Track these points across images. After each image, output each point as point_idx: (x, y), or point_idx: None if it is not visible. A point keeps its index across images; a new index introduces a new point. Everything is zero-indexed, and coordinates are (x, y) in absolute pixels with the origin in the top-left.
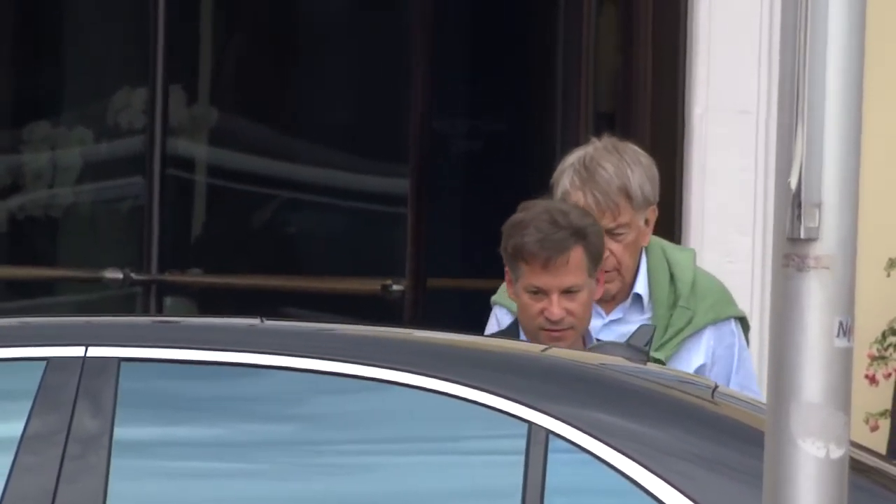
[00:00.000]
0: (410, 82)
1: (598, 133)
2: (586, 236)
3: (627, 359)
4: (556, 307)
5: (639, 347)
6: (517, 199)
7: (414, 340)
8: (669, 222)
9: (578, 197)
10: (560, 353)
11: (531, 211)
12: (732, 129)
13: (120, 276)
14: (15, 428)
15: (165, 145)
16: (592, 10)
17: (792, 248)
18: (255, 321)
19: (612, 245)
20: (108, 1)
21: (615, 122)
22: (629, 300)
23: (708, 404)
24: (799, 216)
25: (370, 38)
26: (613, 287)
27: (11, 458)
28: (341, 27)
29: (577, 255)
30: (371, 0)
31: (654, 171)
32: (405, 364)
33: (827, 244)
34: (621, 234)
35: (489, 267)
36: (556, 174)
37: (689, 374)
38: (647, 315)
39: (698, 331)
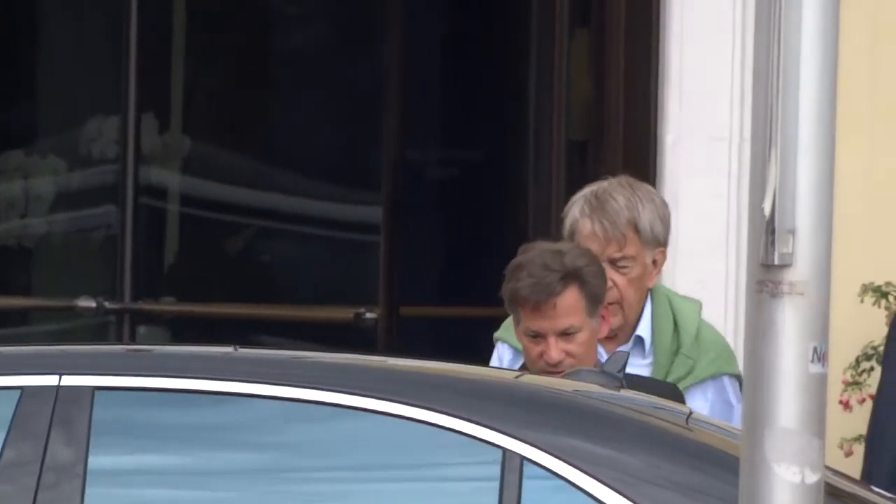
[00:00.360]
0: (383, 111)
1: (570, 161)
2: (580, 276)
3: (601, 385)
4: (554, 350)
5: (612, 374)
6: (489, 226)
7: (388, 368)
8: None
9: (586, 225)
10: (534, 379)
11: (528, 255)
12: (705, 155)
13: (93, 304)
14: None
15: (138, 174)
16: (564, 39)
17: (766, 274)
18: (230, 349)
19: (615, 276)
20: (80, 30)
21: (587, 150)
22: (631, 342)
23: (682, 430)
24: (773, 242)
25: (343, 66)
26: (615, 321)
27: None
28: (315, 56)
29: (571, 296)
30: (344, 29)
31: (667, 213)
32: (380, 392)
33: (801, 270)
34: (626, 266)
35: (462, 294)
36: (567, 206)
37: (662, 400)
38: (649, 360)
39: (698, 383)
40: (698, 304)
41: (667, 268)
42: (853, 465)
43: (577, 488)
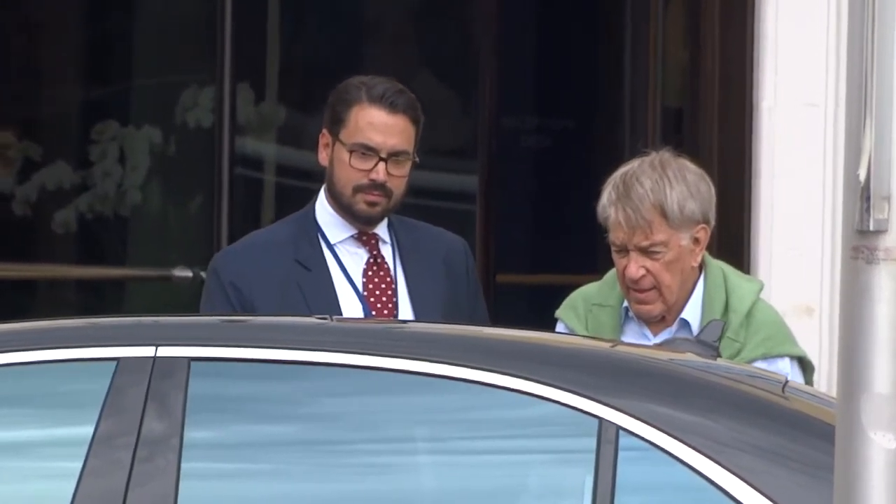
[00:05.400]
0: (478, 79)
1: (665, 128)
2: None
3: (697, 354)
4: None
5: (708, 343)
6: (585, 195)
7: (484, 337)
8: (739, 217)
9: (611, 212)
10: (629, 348)
11: None
12: (800, 122)
13: (189, 274)
14: (85, 430)
15: (234, 144)
16: (660, 6)
17: (861, 240)
18: (325, 319)
19: (646, 263)
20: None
21: (683, 118)
22: (675, 325)
23: (779, 399)
24: (868, 208)
25: (438, 34)
26: (655, 308)
27: (81, 460)
28: (409, 23)
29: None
30: None
31: (703, 189)
32: (475, 361)
33: None
34: (657, 252)
35: (558, 262)
36: (602, 187)
37: (759, 369)
38: None
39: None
40: (758, 284)
41: (763, 234)
42: None
43: (673, 458)
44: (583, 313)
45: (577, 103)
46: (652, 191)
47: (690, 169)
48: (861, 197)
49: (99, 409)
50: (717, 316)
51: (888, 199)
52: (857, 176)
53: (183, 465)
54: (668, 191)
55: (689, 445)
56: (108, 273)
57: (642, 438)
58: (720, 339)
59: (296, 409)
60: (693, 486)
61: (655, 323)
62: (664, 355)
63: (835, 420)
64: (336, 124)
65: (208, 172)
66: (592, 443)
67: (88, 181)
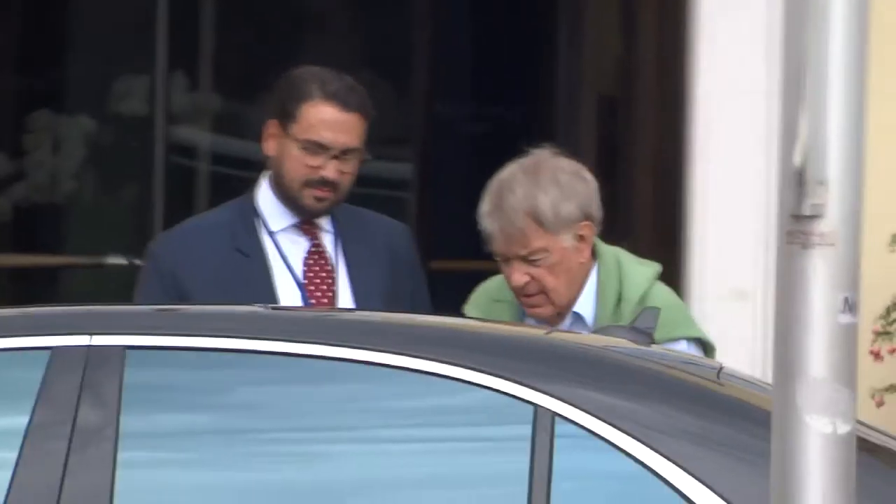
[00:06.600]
0: (412, 66)
1: (599, 116)
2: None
3: (632, 341)
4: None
5: (643, 330)
6: None
7: (417, 324)
8: (674, 203)
9: (487, 224)
10: (564, 335)
11: None
12: (736, 108)
13: (124, 262)
14: (20, 420)
15: (168, 132)
16: None
17: (796, 224)
18: (259, 308)
19: (530, 270)
20: None
21: (617, 105)
22: (569, 319)
23: (714, 385)
24: (803, 193)
25: (372, 22)
26: (545, 311)
27: (17, 450)
28: (344, 11)
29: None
30: None
31: (580, 187)
32: (409, 348)
33: (831, 221)
34: (538, 259)
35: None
36: (483, 193)
37: (693, 355)
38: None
39: None
40: (653, 268)
41: (699, 221)
42: (884, 416)
43: (609, 444)
44: (485, 309)
45: (512, 90)
46: (525, 198)
47: (565, 169)
48: (797, 182)
49: (33, 399)
50: (611, 305)
51: (823, 183)
52: (793, 161)
53: (119, 455)
54: (540, 197)
55: (625, 432)
56: (42, 261)
57: (578, 425)
58: (654, 326)
59: (232, 397)
60: (629, 472)
61: (556, 318)
62: (599, 342)
63: (770, 405)
64: (286, 117)
65: (143, 161)
66: (528, 430)
67: (23, 170)
